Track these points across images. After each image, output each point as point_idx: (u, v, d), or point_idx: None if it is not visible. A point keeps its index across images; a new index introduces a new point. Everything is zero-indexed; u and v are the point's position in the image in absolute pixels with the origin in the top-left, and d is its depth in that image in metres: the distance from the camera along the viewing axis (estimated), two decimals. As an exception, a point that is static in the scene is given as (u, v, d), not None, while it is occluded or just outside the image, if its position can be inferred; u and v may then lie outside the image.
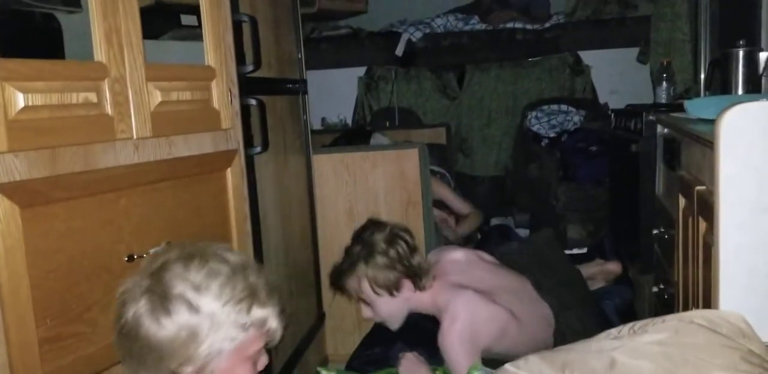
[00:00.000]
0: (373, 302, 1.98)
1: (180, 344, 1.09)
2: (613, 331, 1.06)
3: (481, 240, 3.65)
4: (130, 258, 1.31)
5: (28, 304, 1.10)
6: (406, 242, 1.98)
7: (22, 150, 1.08)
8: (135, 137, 1.33)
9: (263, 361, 1.22)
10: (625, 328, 1.05)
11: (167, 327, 1.08)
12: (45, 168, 1.12)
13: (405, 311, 2.01)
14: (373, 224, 2.05)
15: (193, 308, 1.09)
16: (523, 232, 4.09)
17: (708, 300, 1.20)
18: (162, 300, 1.09)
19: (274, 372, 2.01)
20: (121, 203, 1.30)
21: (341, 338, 2.73)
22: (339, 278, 2.03)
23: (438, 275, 2.01)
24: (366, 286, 1.95)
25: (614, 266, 2.63)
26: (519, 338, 1.90)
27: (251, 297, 1.13)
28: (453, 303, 1.86)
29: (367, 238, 1.98)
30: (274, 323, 1.17)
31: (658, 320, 1.05)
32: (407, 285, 1.95)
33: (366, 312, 2.04)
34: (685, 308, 1.53)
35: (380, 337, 2.21)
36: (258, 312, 1.14)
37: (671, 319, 1.04)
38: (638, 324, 1.06)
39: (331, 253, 2.71)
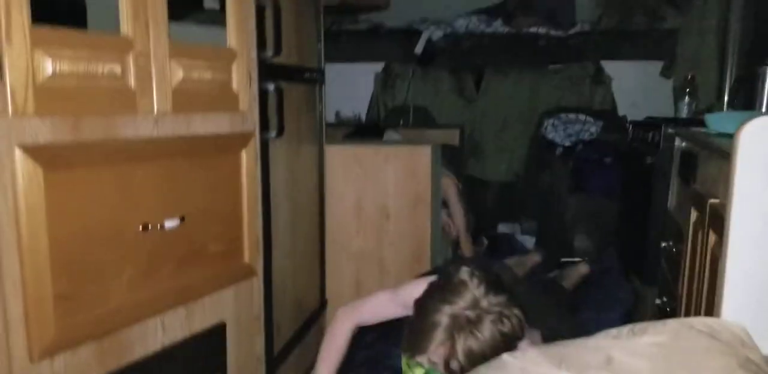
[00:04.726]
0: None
1: None
2: (613, 331, 1.06)
3: (488, 246, 3.68)
4: (145, 228, 1.33)
5: (46, 262, 1.12)
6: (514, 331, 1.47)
7: (47, 114, 1.10)
8: (156, 111, 1.34)
9: None
10: (625, 329, 1.06)
11: None
12: (68, 133, 1.14)
13: None
14: (490, 286, 1.47)
15: None
16: (529, 239, 4.11)
17: (711, 314, 1.20)
18: None
19: (275, 351, 2.04)
20: (138, 175, 1.32)
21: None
22: (428, 341, 1.45)
23: None
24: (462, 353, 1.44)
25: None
26: None
27: None
28: None
29: (478, 305, 1.44)
30: None
31: (659, 323, 1.05)
32: None
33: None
34: (687, 319, 1.53)
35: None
36: None
37: (672, 323, 1.05)
38: (638, 325, 1.06)
39: (336, 242, 2.73)
